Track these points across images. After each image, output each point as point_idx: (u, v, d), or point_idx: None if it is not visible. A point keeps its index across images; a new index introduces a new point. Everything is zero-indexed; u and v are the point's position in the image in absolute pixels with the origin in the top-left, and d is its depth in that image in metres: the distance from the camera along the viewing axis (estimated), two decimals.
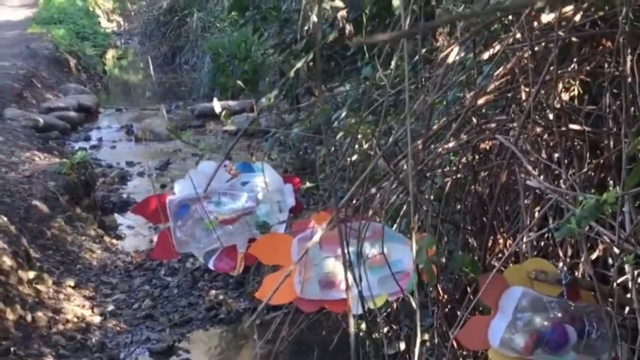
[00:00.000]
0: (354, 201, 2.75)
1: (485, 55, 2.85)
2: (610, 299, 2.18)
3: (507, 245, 2.82)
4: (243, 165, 2.99)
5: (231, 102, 11.65)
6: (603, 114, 2.70)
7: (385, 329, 3.29)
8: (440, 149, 2.86)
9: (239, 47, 12.58)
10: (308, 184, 4.43)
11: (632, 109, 2.47)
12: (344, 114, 4.71)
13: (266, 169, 2.94)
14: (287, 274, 2.40)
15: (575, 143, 2.76)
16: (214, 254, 2.85)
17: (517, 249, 2.58)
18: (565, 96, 2.83)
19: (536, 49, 2.68)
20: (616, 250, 2.24)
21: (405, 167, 2.78)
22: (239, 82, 10.40)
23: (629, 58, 2.41)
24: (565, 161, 2.56)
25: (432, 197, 2.95)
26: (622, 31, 2.35)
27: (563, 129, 2.65)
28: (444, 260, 2.84)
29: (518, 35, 2.69)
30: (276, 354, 3.02)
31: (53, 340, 5.07)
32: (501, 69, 2.82)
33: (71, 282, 5.95)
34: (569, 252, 2.65)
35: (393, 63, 2.68)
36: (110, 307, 5.80)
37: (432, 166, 2.96)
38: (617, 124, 2.62)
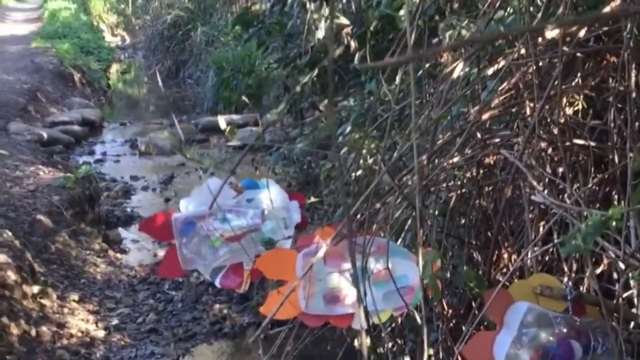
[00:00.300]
0: (358, 216, 2.75)
1: (490, 71, 2.85)
2: (615, 314, 2.18)
3: (512, 260, 2.81)
4: (248, 182, 3.00)
5: (235, 116, 11.69)
6: (608, 128, 2.71)
7: (390, 344, 3.28)
8: (444, 164, 2.87)
9: (242, 61, 12.65)
10: (312, 199, 4.43)
11: (637, 123, 2.48)
12: (348, 129, 4.71)
13: (272, 185, 2.94)
14: (292, 289, 2.40)
15: (580, 158, 2.76)
16: (220, 271, 2.85)
17: (522, 264, 2.57)
18: (569, 111, 2.84)
19: (540, 64, 2.68)
20: (622, 266, 2.24)
21: (409, 182, 2.79)
22: (243, 97, 10.42)
23: (633, 73, 2.42)
24: (570, 176, 2.56)
25: (436, 212, 2.95)
26: (627, 46, 2.37)
27: (567, 143, 2.65)
28: (448, 275, 2.83)
29: (522, 51, 2.70)
30: None
31: (57, 355, 5.07)
32: (505, 84, 2.83)
33: (75, 297, 5.95)
34: (574, 267, 2.64)
35: (398, 78, 2.69)
36: (115, 322, 5.80)
37: (437, 181, 2.96)
38: (621, 138, 2.62)
